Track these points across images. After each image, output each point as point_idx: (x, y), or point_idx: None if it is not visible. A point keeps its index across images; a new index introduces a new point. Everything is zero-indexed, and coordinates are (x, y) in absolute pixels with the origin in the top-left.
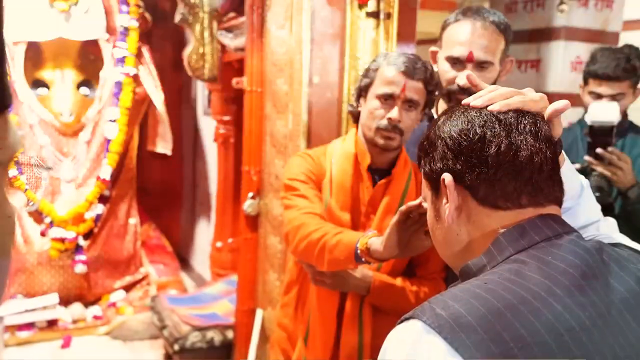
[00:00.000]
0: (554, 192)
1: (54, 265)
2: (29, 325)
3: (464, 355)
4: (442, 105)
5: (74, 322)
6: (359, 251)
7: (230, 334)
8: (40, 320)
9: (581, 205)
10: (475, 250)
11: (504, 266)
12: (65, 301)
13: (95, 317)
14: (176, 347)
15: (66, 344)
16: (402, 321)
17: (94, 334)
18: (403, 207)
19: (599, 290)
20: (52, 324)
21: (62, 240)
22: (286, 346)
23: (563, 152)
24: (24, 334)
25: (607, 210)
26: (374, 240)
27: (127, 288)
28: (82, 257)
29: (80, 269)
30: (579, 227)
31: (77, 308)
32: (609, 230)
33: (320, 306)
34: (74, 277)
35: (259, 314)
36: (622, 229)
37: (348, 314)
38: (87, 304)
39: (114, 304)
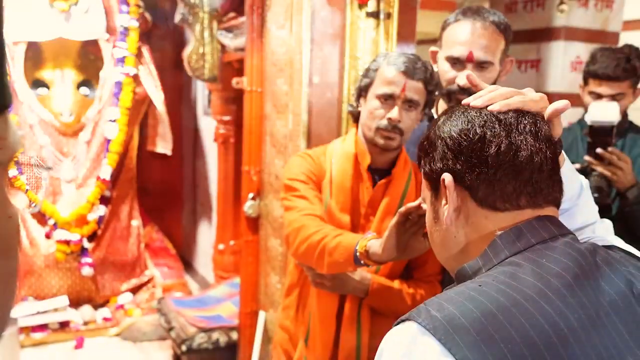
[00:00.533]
0: (553, 192)
1: (61, 267)
2: (42, 327)
3: (457, 356)
4: (442, 105)
5: (85, 323)
6: (358, 254)
7: (234, 335)
8: (52, 322)
9: (579, 207)
10: (472, 252)
11: (499, 269)
12: (74, 303)
13: (105, 319)
14: (183, 347)
15: (79, 345)
16: (398, 323)
17: (105, 335)
18: (402, 209)
19: (589, 292)
20: (63, 325)
21: (67, 242)
22: (288, 347)
23: (563, 152)
24: (38, 335)
25: (604, 212)
26: (373, 242)
27: (134, 290)
28: (88, 260)
29: (87, 271)
30: (575, 228)
31: (87, 310)
32: (604, 232)
33: (320, 308)
34: (81, 280)
35: (262, 316)
36: (618, 231)
37: (347, 316)
38: (96, 306)
39: (122, 306)
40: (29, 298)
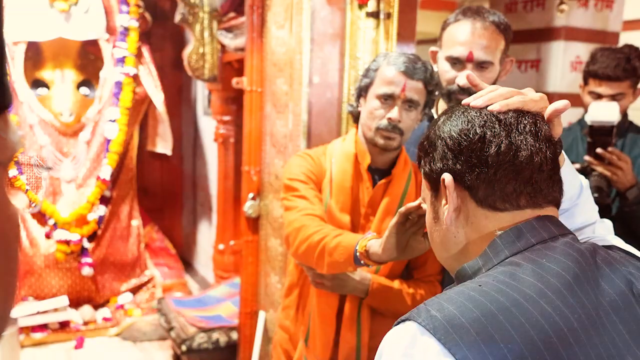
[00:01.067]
0: (553, 192)
1: (61, 267)
2: (42, 327)
3: (457, 356)
4: (442, 105)
5: (85, 323)
6: (358, 254)
7: (234, 335)
8: (52, 322)
9: (579, 207)
10: (472, 252)
11: (499, 269)
12: (74, 303)
13: (105, 319)
14: (183, 347)
15: (79, 345)
16: (398, 323)
17: (105, 335)
18: (402, 209)
19: (589, 292)
20: (63, 325)
21: (67, 242)
22: (288, 347)
23: (563, 152)
24: (38, 335)
25: (604, 212)
26: (373, 242)
27: (134, 290)
28: (88, 260)
29: (87, 271)
30: (575, 228)
31: (87, 310)
32: (604, 232)
33: (320, 308)
34: (81, 280)
35: (262, 316)
36: (618, 231)
37: (347, 316)
38: (96, 306)
39: (122, 306)
40: (29, 298)
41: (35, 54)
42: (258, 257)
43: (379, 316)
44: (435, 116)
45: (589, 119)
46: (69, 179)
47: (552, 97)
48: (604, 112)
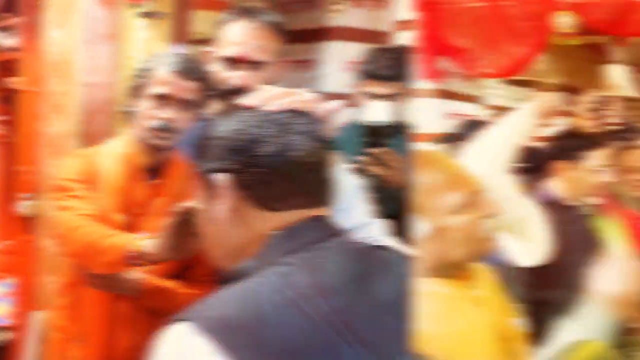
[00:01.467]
0: (327, 193)
1: None
2: None
3: (229, 356)
4: (217, 105)
5: None
6: (131, 254)
7: (9, 335)
8: None
9: (354, 207)
10: (247, 253)
11: (273, 269)
12: None
13: None
14: None
15: None
16: (171, 323)
17: None
18: (176, 209)
19: (364, 292)
20: None
21: None
22: (63, 347)
23: (337, 152)
24: None
25: (378, 212)
26: (147, 242)
27: None
28: None
29: None
30: (350, 228)
31: None
32: (378, 232)
33: (94, 308)
34: None
35: (37, 316)
36: (392, 230)
37: (122, 316)
38: None
39: None
40: None
41: None
42: (33, 257)
43: (155, 316)
44: (210, 116)
45: (363, 119)
46: None
47: (327, 97)
48: (377, 112)
